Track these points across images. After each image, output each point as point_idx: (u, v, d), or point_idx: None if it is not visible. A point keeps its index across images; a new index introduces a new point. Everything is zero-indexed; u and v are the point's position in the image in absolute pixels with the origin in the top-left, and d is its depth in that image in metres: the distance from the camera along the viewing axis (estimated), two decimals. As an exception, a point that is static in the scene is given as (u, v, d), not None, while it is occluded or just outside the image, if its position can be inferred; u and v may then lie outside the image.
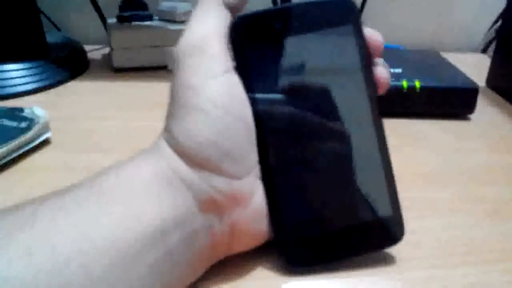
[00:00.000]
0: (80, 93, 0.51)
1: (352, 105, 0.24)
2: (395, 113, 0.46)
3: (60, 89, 0.52)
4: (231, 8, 0.24)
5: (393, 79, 0.45)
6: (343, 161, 0.24)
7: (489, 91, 0.55)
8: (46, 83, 0.51)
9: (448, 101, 0.46)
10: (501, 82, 0.54)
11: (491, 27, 0.73)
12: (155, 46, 0.56)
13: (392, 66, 0.49)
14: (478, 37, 0.75)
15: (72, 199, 0.20)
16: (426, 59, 0.53)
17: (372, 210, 0.25)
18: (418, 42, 0.74)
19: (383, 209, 0.25)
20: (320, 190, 0.24)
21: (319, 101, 0.24)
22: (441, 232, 0.30)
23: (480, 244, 0.29)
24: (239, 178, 0.22)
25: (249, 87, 0.23)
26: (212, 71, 0.22)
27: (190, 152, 0.21)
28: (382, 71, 0.25)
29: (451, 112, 0.46)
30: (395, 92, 0.45)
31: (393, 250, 0.27)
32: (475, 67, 0.59)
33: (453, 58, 0.54)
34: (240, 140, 0.22)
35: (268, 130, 0.24)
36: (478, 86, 0.45)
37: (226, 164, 0.22)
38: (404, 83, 0.45)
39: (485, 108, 0.50)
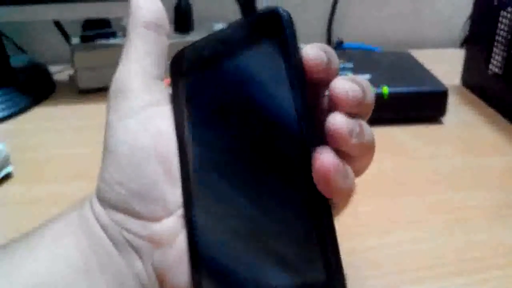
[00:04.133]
0: (44, 119, 0.50)
1: (279, 144, 0.19)
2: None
3: (25, 116, 0.51)
4: (152, 25, 0.22)
5: (360, 87, 0.44)
6: (275, 216, 0.19)
7: (465, 90, 0.54)
8: (12, 111, 0.50)
9: (418, 106, 0.45)
10: (473, 81, 0.53)
11: (467, 21, 0.72)
12: (121, 64, 0.55)
13: (361, 71, 0.48)
14: (457, 31, 0.74)
15: (3, 251, 0.20)
16: (397, 62, 0.51)
17: (299, 274, 0.18)
18: (397, 41, 0.73)
19: (314, 274, 0.18)
20: (241, 246, 0.20)
21: (247, 139, 0.19)
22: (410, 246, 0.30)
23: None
24: (157, 220, 0.20)
25: (180, 122, 0.21)
26: (129, 109, 0.21)
27: (103, 195, 0.21)
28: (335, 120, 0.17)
29: (422, 116, 0.45)
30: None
31: (355, 269, 0.26)
32: (453, 64, 0.58)
33: (431, 54, 0.53)
34: (153, 179, 0.20)
35: (195, 168, 0.21)
36: (446, 89, 0.44)
37: (137, 205, 0.20)
38: (372, 91, 0.43)
39: (459, 108, 0.49)
